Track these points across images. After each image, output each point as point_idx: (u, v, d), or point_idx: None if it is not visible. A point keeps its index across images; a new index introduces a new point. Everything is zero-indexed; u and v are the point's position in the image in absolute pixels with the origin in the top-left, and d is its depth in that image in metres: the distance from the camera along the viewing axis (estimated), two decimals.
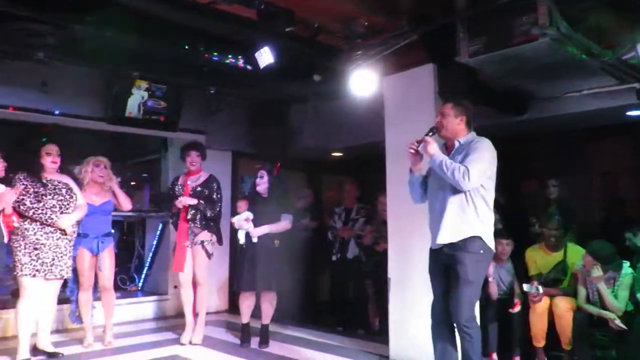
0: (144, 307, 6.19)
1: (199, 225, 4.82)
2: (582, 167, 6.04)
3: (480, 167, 3.06)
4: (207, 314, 5.08)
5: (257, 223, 4.74)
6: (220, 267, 6.27)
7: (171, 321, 5.86)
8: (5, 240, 3.96)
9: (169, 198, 5.04)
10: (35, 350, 4.26)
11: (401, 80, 4.54)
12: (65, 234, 4.24)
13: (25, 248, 4.07)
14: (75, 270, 4.53)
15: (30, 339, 4.16)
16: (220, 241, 5.04)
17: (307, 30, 4.26)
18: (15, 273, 4.11)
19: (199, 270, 4.86)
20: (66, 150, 4.47)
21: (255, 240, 4.71)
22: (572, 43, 3.30)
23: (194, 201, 4.79)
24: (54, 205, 4.19)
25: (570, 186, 5.67)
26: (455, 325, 3.13)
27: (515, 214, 5.50)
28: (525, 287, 4.35)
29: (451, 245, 3.13)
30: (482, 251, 3.10)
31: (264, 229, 4.73)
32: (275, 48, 4.06)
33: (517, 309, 4.41)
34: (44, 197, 4.18)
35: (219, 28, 4.22)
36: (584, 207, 5.91)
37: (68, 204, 4.29)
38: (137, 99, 5.54)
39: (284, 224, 4.82)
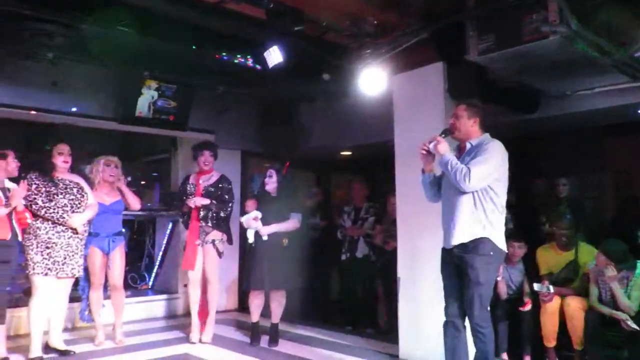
0: (154, 306, 6.23)
1: (210, 225, 4.84)
2: (593, 166, 5.99)
3: (483, 169, 3.06)
4: (217, 312, 5.09)
5: (266, 222, 4.76)
6: (229, 266, 6.29)
7: (181, 320, 5.89)
8: (19, 238, 4.00)
9: (179, 197, 5.06)
10: (47, 348, 4.31)
11: (410, 79, 4.52)
12: (77, 233, 4.28)
13: (37, 247, 4.12)
14: (86, 269, 4.57)
15: (42, 337, 4.20)
16: (230, 240, 5.06)
17: (315, 29, 4.26)
18: (27, 271, 4.16)
19: (210, 268, 4.89)
20: (77, 150, 4.51)
21: (265, 238, 4.72)
22: (583, 40, 3.27)
23: (207, 201, 4.81)
24: (65, 204, 4.23)
25: (581, 185, 5.63)
26: (469, 325, 3.14)
27: (525, 213, 5.46)
28: (536, 286, 4.32)
29: (461, 246, 3.14)
30: (492, 253, 3.10)
31: (273, 228, 4.74)
32: (284, 47, 4.06)
33: (528, 307, 4.39)
34: (55, 196, 4.22)
35: (228, 27, 4.23)
36: (595, 206, 5.86)
37: (79, 203, 4.33)
38: (147, 98, 5.58)
39: (292, 222, 4.83)
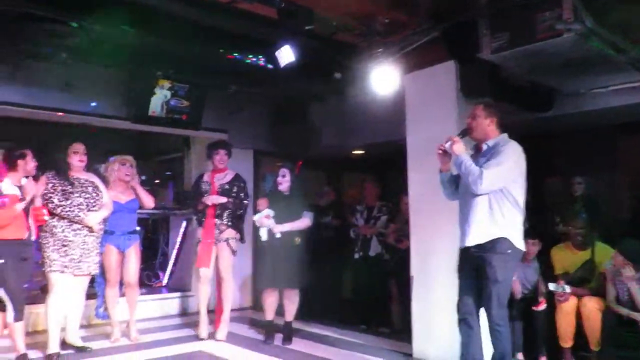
0: (169, 304, 6.29)
1: (225, 223, 4.88)
2: (608, 164, 5.92)
3: (496, 172, 3.07)
4: (231, 310, 5.12)
5: (278, 221, 4.78)
6: (243, 264, 6.33)
7: (195, 317, 5.88)
8: (33, 237, 4.06)
9: (193, 195, 5.09)
10: (64, 344, 4.38)
11: (422, 78, 4.51)
12: (93, 231, 4.34)
13: (54, 245, 4.19)
14: (102, 267, 4.63)
15: (59, 333, 4.27)
16: (242, 239, 5.09)
17: (326, 29, 4.27)
18: (44, 269, 4.23)
19: (224, 267, 4.92)
20: (92, 149, 4.57)
21: (278, 236, 4.74)
22: (598, 38, 3.25)
23: (224, 200, 4.85)
24: (81, 203, 4.30)
25: (597, 183, 5.57)
26: (487, 323, 3.15)
27: (538, 212, 5.42)
28: (552, 286, 4.29)
29: (478, 246, 3.15)
30: (509, 251, 3.11)
31: (286, 227, 4.76)
32: (296, 46, 4.08)
33: (542, 307, 4.35)
34: (71, 195, 4.28)
35: (240, 27, 4.25)
36: (611, 205, 5.79)
37: (94, 202, 4.39)
38: (160, 98, 5.62)
39: (305, 221, 4.86)
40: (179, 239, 6.91)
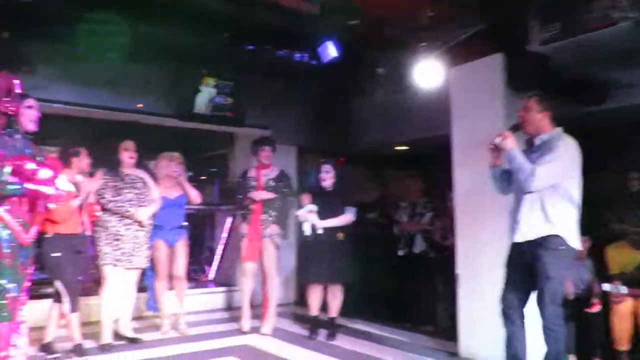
0: (214, 298, 6.42)
1: (270, 218, 4.95)
2: None
3: (549, 169, 2.98)
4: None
5: (321, 216, 4.80)
6: (287, 260, 6.37)
7: (240, 311, 6.02)
8: (87, 232, 4.22)
9: (239, 190, 5.15)
10: (116, 335, 4.54)
11: (468, 71, 4.41)
12: (142, 226, 4.48)
13: (106, 239, 4.35)
14: (152, 260, 4.77)
15: (112, 325, 4.44)
16: (285, 235, 5.14)
17: (371, 23, 4.24)
18: (97, 262, 4.40)
19: (269, 262, 4.98)
20: (142, 146, 4.71)
21: (320, 231, 4.76)
22: None
23: (271, 195, 4.92)
24: (131, 198, 4.44)
25: None
26: (541, 322, 3.06)
27: (591, 208, 5.20)
28: (607, 287, 4.13)
29: (529, 242, 3.09)
30: (562, 247, 3.02)
31: (329, 222, 4.78)
32: (339, 42, 4.07)
33: (596, 309, 4.19)
34: (122, 190, 4.44)
35: (283, 23, 4.29)
36: None
37: (144, 198, 4.53)
38: (205, 95, 5.73)
39: (347, 216, 4.86)
40: (224, 234, 7.04)
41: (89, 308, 5.08)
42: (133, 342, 4.56)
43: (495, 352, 3.85)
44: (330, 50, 4.12)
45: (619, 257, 4.37)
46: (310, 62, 4.73)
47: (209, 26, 4.33)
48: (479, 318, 4.15)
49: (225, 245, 7.05)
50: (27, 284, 3.25)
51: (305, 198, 5.02)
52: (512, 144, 3.09)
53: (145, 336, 4.74)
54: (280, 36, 4.59)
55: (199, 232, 7.40)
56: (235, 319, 5.51)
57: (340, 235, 4.82)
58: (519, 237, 3.13)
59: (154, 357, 4.19)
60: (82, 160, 4.18)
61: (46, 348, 4.07)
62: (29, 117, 3.21)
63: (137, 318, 5.36)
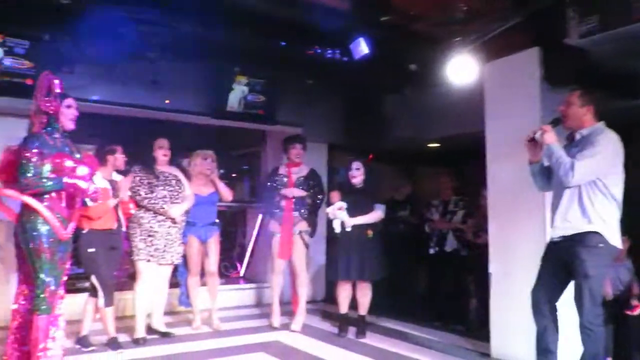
0: (245, 294, 6.48)
1: (300, 216, 4.96)
2: None
3: (589, 164, 2.90)
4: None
5: (350, 213, 4.78)
6: (316, 257, 6.39)
7: (270, 308, 6.06)
8: (124, 228, 4.31)
9: (268, 188, 5.18)
10: (150, 330, 4.62)
11: (503, 66, 4.32)
12: (175, 223, 4.55)
13: (140, 235, 4.44)
14: (184, 257, 4.84)
15: (145, 319, 4.52)
16: (313, 233, 5.14)
17: (402, 19, 4.19)
18: (132, 257, 4.49)
19: (298, 259, 5.00)
20: (175, 144, 4.78)
21: (349, 229, 4.75)
22: None
23: (303, 193, 4.94)
24: (165, 195, 4.52)
25: None
26: (578, 322, 3.00)
27: (632, 207, 5.02)
28: None
29: (567, 239, 3.02)
30: (601, 245, 2.94)
31: (359, 220, 4.75)
32: (370, 38, 4.04)
33: (637, 312, 4.05)
34: (156, 187, 4.52)
35: (315, 20, 4.27)
36: None
37: (177, 195, 4.60)
38: (238, 93, 5.77)
39: (377, 214, 4.84)
40: (255, 232, 7.09)
41: (124, 302, 5.21)
42: (165, 336, 4.64)
43: (528, 355, 3.77)
44: (362, 47, 4.09)
45: None
46: (341, 59, 4.70)
47: (241, 24, 4.35)
48: (512, 319, 4.06)
49: (255, 242, 7.10)
50: (65, 278, 3.35)
51: (335, 195, 5.01)
52: (552, 138, 3.02)
53: (177, 331, 4.82)
54: (311, 33, 4.57)
55: (230, 229, 7.46)
56: (265, 315, 5.55)
57: (370, 233, 4.79)
58: (557, 233, 3.08)
59: (185, 352, 4.25)
60: (118, 159, 4.26)
61: (82, 341, 4.17)
62: (68, 116, 3.30)
63: (170, 313, 5.45)
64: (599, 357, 2.93)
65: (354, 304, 4.95)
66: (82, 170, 3.23)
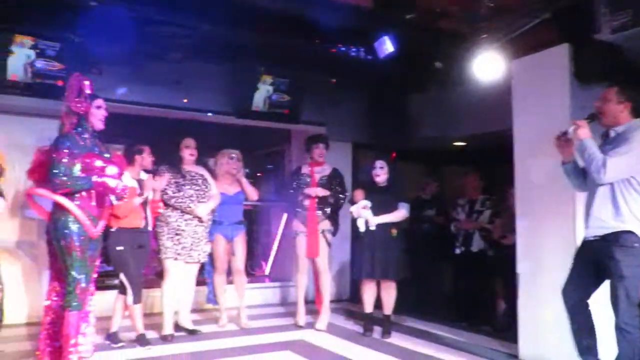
0: (270, 292, 6.52)
1: (324, 215, 4.98)
2: None
3: (622, 161, 2.83)
4: (330, 301, 5.19)
5: (375, 212, 4.76)
6: (341, 256, 6.38)
7: (295, 307, 6.08)
8: (150, 227, 4.38)
9: (293, 187, 5.18)
10: (177, 327, 4.69)
11: (531, 63, 4.23)
12: (202, 222, 4.60)
13: (168, 233, 4.50)
14: (211, 255, 4.89)
15: (173, 316, 4.59)
16: (336, 232, 5.14)
17: (428, 16, 4.15)
18: (159, 256, 4.56)
19: (321, 258, 5.00)
20: (201, 144, 4.83)
21: (373, 228, 4.73)
22: None
23: (326, 192, 4.95)
24: (191, 194, 4.57)
25: None
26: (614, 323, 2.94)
27: None
28: None
29: (600, 238, 2.96)
30: (636, 244, 2.86)
31: (383, 218, 4.74)
32: (395, 36, 4.01)
33: None
34: (183, 187, 4.58)
35: (340, 19, 4.27)
36: None
37: (204, 194, 4.65)
38: (262, 93, 5.80)
39: (401, 213, 4.81)
40: (280, 231, 7.12)
41: (152, 300, 5.29)
42: (192, 333, 4.70)
43: (558, 356, 3.70)
44: (387, 45, 4.06)
45: None
46: (366, 58, 4.68)
47: (265, 24, 4.37)
48: (541, 320, 3.99)
49: (280, 241, 7.13)
50: (95, 275, 3.42)
51: (359, 194, 4.99)
52: (586, 133, 2.95)
53: (204, 328, 4.88)
54: (336, 32, 4.57)
55: (255, 227, 7.52)
56: (290, 313, 5.57)
57: (394, 232, 4.76)
58: (590, 233, 3.01)
59: (212, 349, 4.29)
60: (145, 159, 4.33)
61: (112, 337, 4.26)
62: (97, 117, 3.37)
63: (197, 311, 5.51)
64: (634, 359, 2.85)
65: (379, 304, 4.93)
66: (112, 169, 3.30)
